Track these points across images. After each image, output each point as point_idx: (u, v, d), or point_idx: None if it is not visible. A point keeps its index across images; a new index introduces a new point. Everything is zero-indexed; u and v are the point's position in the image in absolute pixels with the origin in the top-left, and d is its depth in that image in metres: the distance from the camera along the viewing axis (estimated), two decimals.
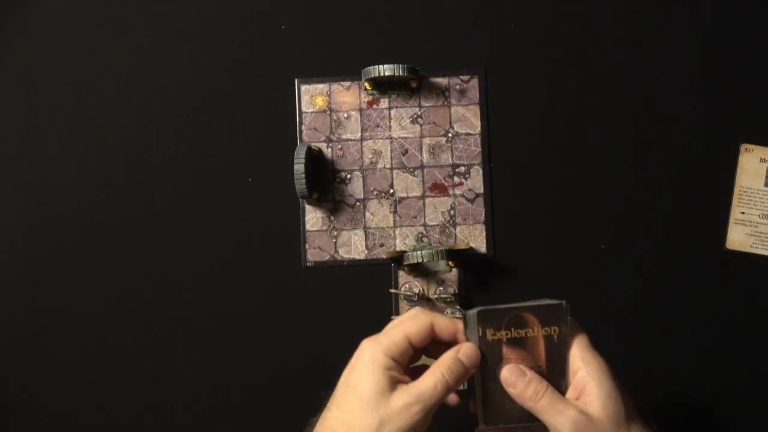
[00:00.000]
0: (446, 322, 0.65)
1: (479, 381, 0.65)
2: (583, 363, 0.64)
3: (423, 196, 0.81)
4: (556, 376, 0.65)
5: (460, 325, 0.65)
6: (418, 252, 0.76)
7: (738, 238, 0.81)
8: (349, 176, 0.82)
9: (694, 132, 0.82)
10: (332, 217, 0.81)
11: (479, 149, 0.81)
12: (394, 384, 0.63)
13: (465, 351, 0.65)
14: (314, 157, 0.80)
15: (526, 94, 0.81)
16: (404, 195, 0.81)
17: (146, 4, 0.82)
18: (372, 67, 0.79)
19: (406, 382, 0.64)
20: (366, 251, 0.81)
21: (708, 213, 0.81)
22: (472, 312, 0.65)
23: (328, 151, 0.81)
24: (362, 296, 0.81)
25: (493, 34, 0.82)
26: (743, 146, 0.81)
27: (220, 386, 0.80)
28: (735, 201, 0.81)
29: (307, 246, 0.81)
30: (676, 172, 0.81)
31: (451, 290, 0.80)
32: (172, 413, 0.80)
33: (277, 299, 0.81)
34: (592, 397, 0.63)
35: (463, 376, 0.64)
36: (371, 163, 0.82)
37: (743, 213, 0.81)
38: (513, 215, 0.81)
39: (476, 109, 0.82)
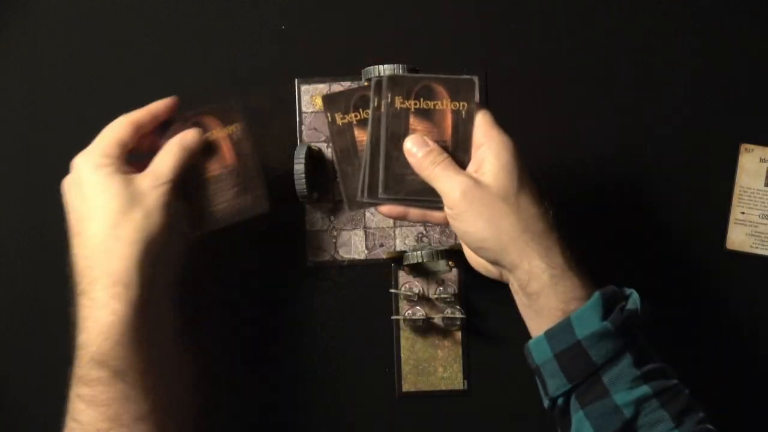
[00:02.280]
0: (144, 113, 0.70)
1: (384, 150, 0.66)
2: (486, 138, 0.66)
3: None
4: (459, 151, 0.66)
5: (158, 106, 0.71)
6: (418, 252, 0.76)
7: (738, 238, 0.81)
8: None
9: (694, 132, 0.82)
10: (332, 217, 0.81)
11: None
12: (127, 177, 0.67)
13: (189, 134, 0.70)
14: (314, 157, 0.80)
15: (526, 94, 0.81)
16: None
17: (146, 4, 0.82)
18: (372, 67, 0.79)
19: (137, 172, 0.68)
20: (366, 251, 0.81)
21: (708, 213, 0.81)
22: (384, 76, 0.66)
23: (328, 151, 0.81)
24: (362, 296, 0.81)
25: (493, 34, 0.82)
26: (743, 146, 0.81)
27: (220, 386, 0.80)
28: (735, 201, 0.81)
29: (307, 246, 0.81)
30: (676, 172, 0.81)
31: (451, 290, 0.80)
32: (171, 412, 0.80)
33: (277, 299, 0.81)
34: (487, 168, 0.65)
35: (192, 152, 0.70)
36: None
37: (743, 213, 0.81)
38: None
39: None
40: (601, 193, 0.81)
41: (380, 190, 0.66)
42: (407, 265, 0.78)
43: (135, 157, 0.70)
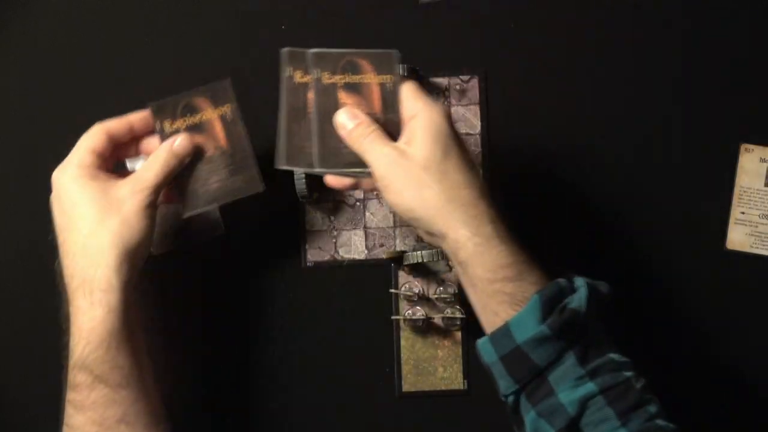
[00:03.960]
0: (119, 122, 0.70)
1: (317, 125, 0.68)
2: (414, 110, 0.66)
3: None
4: (390, 123, 0.68)
5: (135, 117, 0.71)
6: (418, 252, 0.76)
7: (738, 238, 0.81)
8: None
9: (694, 132, 0.81)
10: (332, 217, 0.81)
11: (479, 149, 0.81)
12: (107, 184, 0.68)
13: (180, 141, 0.70)
14: None
15: (526, 94, 0.81)
16: None
17: (146, 4, 0.82)
18: None
19: (119, 178, 0.69)
20: (366, 251, 0.81)
21: (708, 213, 0.81)
22: (309, 52, 0.68)
23: None
24: (362, 296, 0.81)
25: (493, 34, 0.82)
26: (743, 146, 0.81)
27: (219, 385, 0.80)
28: (735, 201, 0.81)
29: (307, 246, 0.81)
30: (676, 172, 0.81)
31: (451, 290, 0.80)
32: (171, 412, 0.80)
33: (276, 299, 0.81)
34: (415, 139, 0.65)
35: (183, 159, 0.70)
36: None
37: (743, 213, 0.81)
38: (513, 215, 0.81)
39: (476, 109, 0.82)
40: (601, 193, 0.81)
41: (316, 163, 0.69)
42: (407, 265, 0.78)
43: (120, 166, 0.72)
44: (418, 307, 0.80)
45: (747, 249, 0.81)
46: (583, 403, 0.60)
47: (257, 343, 0.80)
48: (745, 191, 0.81)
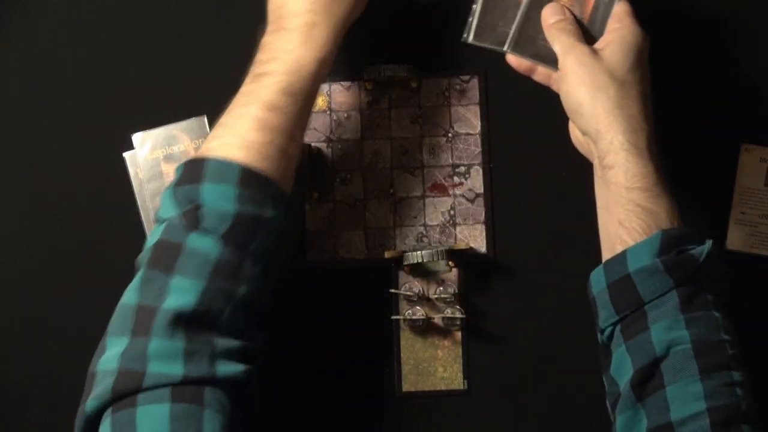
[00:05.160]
0: None
1: (524, 9, 0.72)
2: (619, 24, 0.70)
3: (423, 196, 0.81)
4: (594, 29, 0.72)
5: None
6: (418, 252, 0.76)
7: (738, 238, 0.81)
8: (349, 176, 0.81)
9: (694, 132, 0.82)
10: (332, 217, 0.81)
11: (479, 149, 0.81)
12: None
13: None
14: (314, 157, 0.80)
15: (526, 94, 0.81)
16: (404, 195, 0.81)
17: (146, 5, 0.82)
18: (372, 67, 0.79)
19: None
20: (366, 251, 0.81)
21: (708, 213, 0.81)
22: None
23: (328, 151, 0.81)
24: (362, 296, 0.81)
25: None
26: (743, 146, 0.81)
27: None
28: (735, 201, 0.81)
29: (307, 246, 0.81)
30: (676, 172, 0.81)
31: (451, 290, 0.80)
32: None
33: (276, 299, 0.80)
34: (610, 46, 0.69)
35: None
36: (371, 163, 0.82)
37: (743, 213, 0.81)
38: (513, 215, 0.81)
39: (476, 109, 0.82)
40: None
41: (510, 45, 0.73)
42: (407, 265, 0.78)
43: None
44: (418, 307, 0.80)
45: (747, 249, 0.81)
46: (671, 347, 0.60)
47: None
48: (745, 191, 0.81)
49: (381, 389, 0.80)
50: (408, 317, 0.79)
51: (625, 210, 0.65)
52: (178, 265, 0.61)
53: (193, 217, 0.62)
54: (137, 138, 0.80)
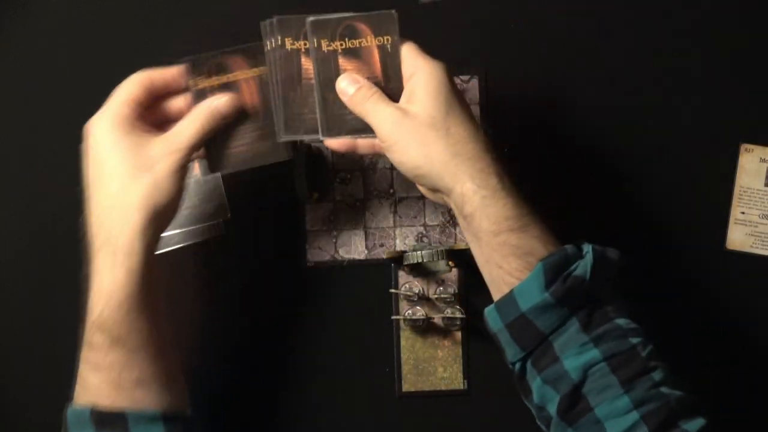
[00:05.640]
0: (160, 73, 0.69)
1: (319, 94, 0.68)
2: (414, 68, 0.67)
3: (423, 196, 0.81)
4: (391, 84, 0.68)
5: (171, 71, 0.69)
6: (418, 252, 0.76)
7: (738, 238, 0.81)
8: (349, 176, 0.81)
9: (694, 132, 0.82)
10: (332, 217, 0.81)
11: None
12: (142, 139, 0.66)
13: (225, 100, 0.68)
14: (314, 157, 0.80)
15: (526, 94, 0.81)
16: (404, 195, 0.81)
17: (146, 5, 0.82)
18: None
19: (156, 134, 0.66)
20: (366, 251, 0.81)
21: (708, 213, 0.81)
22: (307, 20, 0.68)
23: (328, 151, 0.81)
24: (362, 296, 0.81)
25: (493, 34, 0.82)
26: (743, 146, 0.81)
27: (220, 385, 0.80)
28: (735, 201, 0.81)
29: (307, 246, 0.81)
30: (676, 172, 0.81)
31: (451, 290, 0.80)
32: None
33: (276, 299, 0.81)
34: (416, 97, 0.66)
35: (222, 119, 0.68)
36: (371, 163, 0.82)
37: (743, 213, 0.81)
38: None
39: (476, 109, 0.82)
40: (602, 193, 0.81)
41: (322, 131, 0.69)
42: (407, 265, 0.78)
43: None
44: (418, 307, 0.80)
45: (747, 249, 0.81)
46: (586, 370, 0.60)
47: (257, 342, 0.80)
48: (745, 191, 0.81)
49: (381, 389, 0.80)
50: (408, 317, 0.79)
51: (500, 254, 0.64)
52: None
53: None
54: None
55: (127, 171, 0.64)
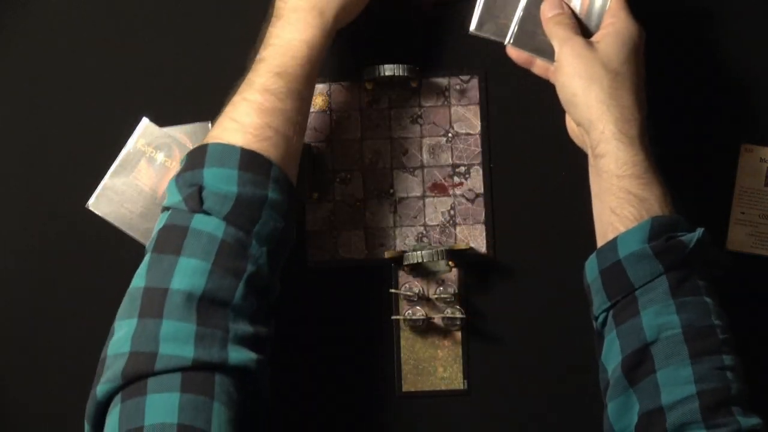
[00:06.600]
0: None
1: (524, 4, 0.74)
2: (614, 18, 0.72)
3: (423, 196, 0.81)
4: (590, 23, 0.74)
5: None
6: (418, 252, 0.76)
7: (738, 238, 0.81)
8: (349, 176, 0.81)
9: (694, 132, 0.81)
10: (332, 217, 0.81)
11: (479, 149, 0.81)
12: None
13: None
14: (314, 157, 0.80)
15: (526, 94, 0.81)
16: (404, 195, 0.81)
17: (146, 6, 0.82)
18: (372, 67, 0.79)
19: None
20: (366, 251, 0.81)
21: (708, 213, 0.81)
22: None
23: (328, 151, 0.81)
24: (362, 296, 0.81)
25: None
26: (743, 146, 0.81)
27: None
28: (735, 201, 0.81)
29: (307, 246, 0.81)
30: (676, 172, 0.81)
31: (451, 290, 0.80)
32: None
33: (277, 299, 0.80)
34: (605, 40, 0.70)
35: None
36: (371, 163, 0.82)
37: (743, 213, 0.81)
38: (513, 215, 0.81)
39: (476, 109, 0.82)
40: None
41: (510, 38, 0.75)
42: (407, 265, 0.78)
43: None
44: (418, 307, 0.80)
45: (747, 249, 0.81)
46: (661, 332, 0.61)
47: None
48: (745, 191, 0.81)
49: (381, 389, 0.80)
50: (408, 317, 0.79)
51: (617, 198, 0.65)
52: (185, 246, 0.61)
53: (195, 200, 0.63)
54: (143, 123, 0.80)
55: None
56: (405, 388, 0.80)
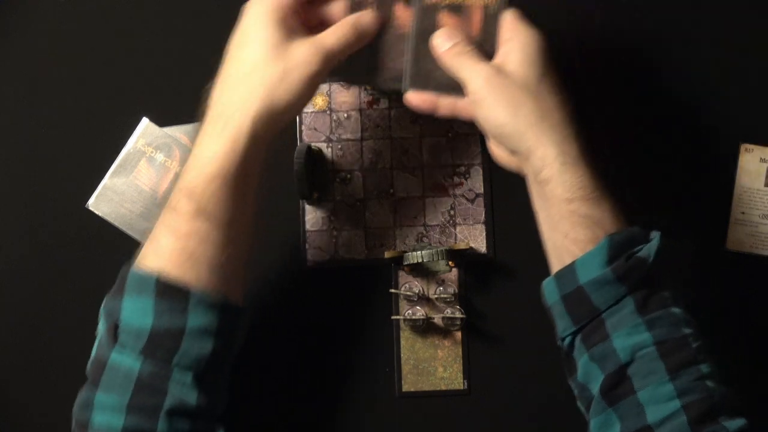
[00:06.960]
0: None
1: (413, 44, 0.69)
2: (513, 33, 0.68)
3: (423, 196, 0.81)
4: (486, 46, 0.69)
5: None
6: (418, 252, 0.76)
7: (738, 238, 0.81)
8: (349, 176, 0.82)
9: (694, 132, 0.82)
10: (332, 217, 0.81)
11: (479, 149, 0.81)
12: (291, 35, 0.66)
13: (367, 13, 0.69)
14: (314, 157, 0.80)
15: None
16: (404, 195, 0.81)
17: (146, 6, 0.82)
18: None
19: (304, 36, 0.66)
20: (366, 251, 0.81)
21: (708, 213, 0.81)
22: None
23: (328, 151, 0.81)
24: (362, 296, 0.81)
25: None
26: (743, 146, 0.81)
27: None
28: (735, 201, 0.81)
29: (307, 246, 0.81)
30: (676, 172, 0.81)
31: (451, 290, 0.80)
32: None
33: (276, 299, 0.81)
34: (511, 59, 0.67)
35: (363, 35, 0.68)
36: (371, 163, 0.82)
37: (743, 213, 0.81)
38: (513, 215, 0.81)
39: None
40: None
41: (406, 84, 0.70)
42: (407, 265, 0.78)
43: None
44: (418, 307, 0.80)
45: (747, 249, 0.81)
46: (635, 352, 0.60)
47: (257, 343, 0.80)
48: (745, 191, 0.81)
49: (381, 389, 0.80)
50: (408, 317, 0.79)
51: (569, 221, 0.64)
52: (102, 382, 0.61)
53: (112, 335, 0.62)
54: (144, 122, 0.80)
55: (264, 58, 0.65)
56: (405, 388, 0.80)
